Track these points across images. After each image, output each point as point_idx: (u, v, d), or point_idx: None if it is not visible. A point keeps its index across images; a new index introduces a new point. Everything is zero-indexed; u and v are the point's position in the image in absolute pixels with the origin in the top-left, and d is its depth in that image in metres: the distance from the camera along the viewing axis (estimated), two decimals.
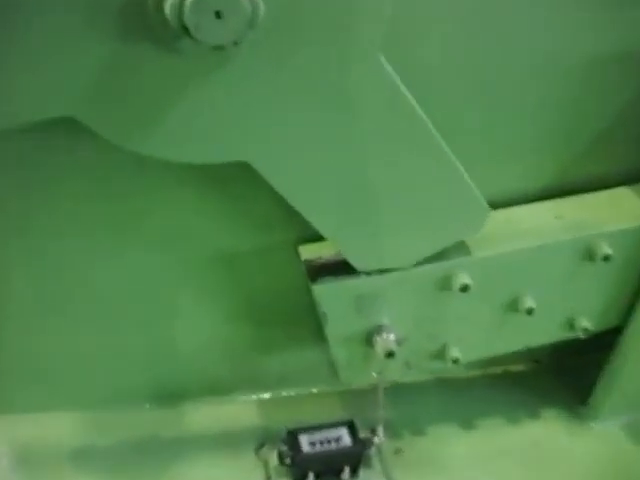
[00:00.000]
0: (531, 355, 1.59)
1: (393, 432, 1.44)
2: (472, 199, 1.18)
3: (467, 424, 1.49)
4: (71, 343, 1.37)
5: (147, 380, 1.45)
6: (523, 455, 1.44)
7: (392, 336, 1.26)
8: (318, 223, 1.14)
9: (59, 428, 1.40)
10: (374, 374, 1.31)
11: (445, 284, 1.25)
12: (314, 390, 1.54)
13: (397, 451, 1.42)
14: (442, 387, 1.58)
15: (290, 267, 1.32)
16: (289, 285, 1.36)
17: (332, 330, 1.27)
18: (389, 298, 1.26)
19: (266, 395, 1.52)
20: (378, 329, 1.27)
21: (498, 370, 1.62)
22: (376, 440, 1.35)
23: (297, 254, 1.28)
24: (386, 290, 1.25)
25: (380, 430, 1.34)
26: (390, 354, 1.25)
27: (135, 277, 1.32)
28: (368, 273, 1.22)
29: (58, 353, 1.38)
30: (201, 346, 1.43)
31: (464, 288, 1.23)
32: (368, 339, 1.28)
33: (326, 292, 1.23)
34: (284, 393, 1.53)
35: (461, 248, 1.25)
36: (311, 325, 1.35)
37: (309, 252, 1.27)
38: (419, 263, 1.23)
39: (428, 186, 1.15)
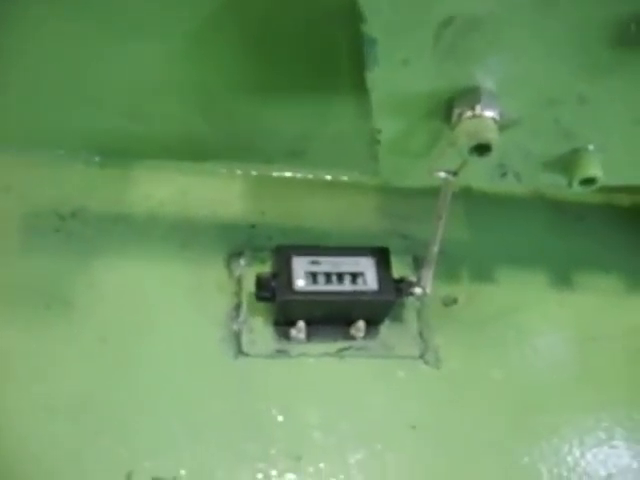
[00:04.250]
0: None
1: (449, 269, 0.89)
2: None
3: (562, 271, 0.93)
4: None
5: (89, 127, 0.91)
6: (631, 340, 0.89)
7: (492, 112, 0.64)
8: None
9: None
10: (442, 174, 0.71)
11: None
12: (345, 178, 0.97)
13: (449, 302, 0.88)
14: (539, 209, 1.00)
15: None
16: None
17: (378, 81, 0.66)
18: (503, 38, 0.63)
19: (260, 171, 0.96)
20: (469, 94, 0.65)
21: (624, 201, 1.03)
22: (417, 290, 0.81)
23: None
24: (499, 20, 0.61)
25: (427, 278, 0.79)
26: (482, 149, 0.63)
27: None
28: None
29: None
30: (164, 85, 0.87)
31: None
32: (445, 110, 0.67)
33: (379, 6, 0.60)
34: (287, 174, 0.96)
35: None
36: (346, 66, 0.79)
37: None
38: None
39: None
